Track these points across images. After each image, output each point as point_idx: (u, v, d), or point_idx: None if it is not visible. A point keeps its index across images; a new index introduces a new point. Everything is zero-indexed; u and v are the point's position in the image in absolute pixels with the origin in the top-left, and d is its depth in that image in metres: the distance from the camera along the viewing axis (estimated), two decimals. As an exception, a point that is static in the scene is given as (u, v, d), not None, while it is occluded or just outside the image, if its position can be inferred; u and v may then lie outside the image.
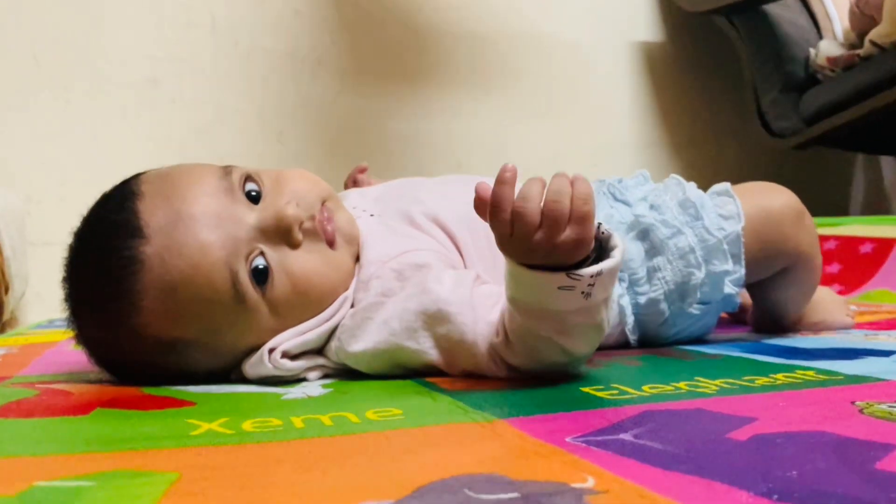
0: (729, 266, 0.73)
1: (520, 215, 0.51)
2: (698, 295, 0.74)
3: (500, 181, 0.52)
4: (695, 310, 0.74)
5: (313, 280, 0.61)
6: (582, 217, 0.50)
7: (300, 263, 0.61)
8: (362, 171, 0.88)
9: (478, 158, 1.91)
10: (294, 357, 0.62)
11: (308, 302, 0.62)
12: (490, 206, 0.52)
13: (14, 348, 0.91)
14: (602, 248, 0.54)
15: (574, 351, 0.57)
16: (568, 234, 0.50)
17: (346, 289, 0.64)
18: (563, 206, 0.50)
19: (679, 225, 0.74)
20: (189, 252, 0.57)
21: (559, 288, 0.52)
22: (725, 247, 0.73)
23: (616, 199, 0.81)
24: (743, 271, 0.74)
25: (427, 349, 0.60)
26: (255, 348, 0.61)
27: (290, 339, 0.61)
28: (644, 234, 0.75)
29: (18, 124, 1.62)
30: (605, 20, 2.13)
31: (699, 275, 0.73)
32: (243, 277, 0.58)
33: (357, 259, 0.66)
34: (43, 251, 1.50)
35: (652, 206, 0.77)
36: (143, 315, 0.58)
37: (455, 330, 0.59)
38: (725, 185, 0.77)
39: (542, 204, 0.51)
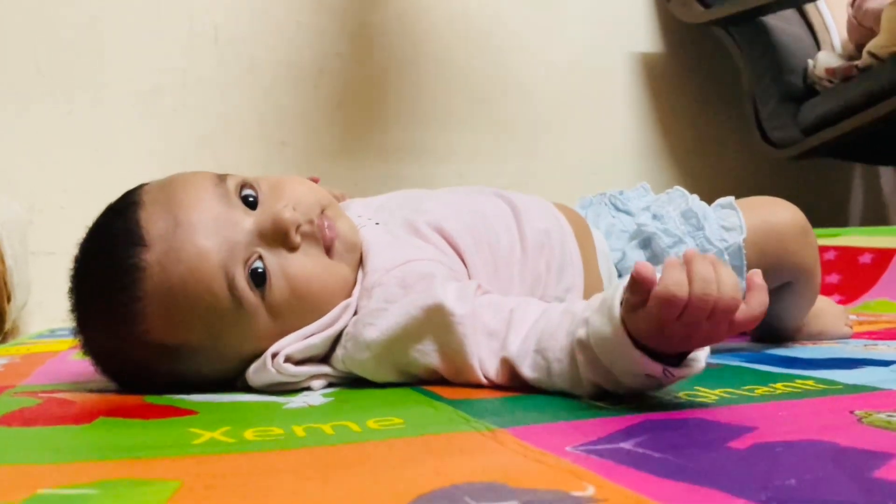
0: None
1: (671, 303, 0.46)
2: None
3: (670, 267, 0.48)
4: None
5: (312, 283, 0.61)
6: (727, 309, 0.46)
7: (298, 267, 0.61)
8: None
9: (478, 169, 1.91)
10: (298, 363, 0.62)
11: (307, 306, 0.61)
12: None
13: (16, 358, 0.92)
14: None
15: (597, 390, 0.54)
16: (706, 326, 0.47)
17: (349, 296, 0.64)
18: (712, 298, 0.46)
19: (681, 234, 0.74)
20: (187, 257, 0.58)
21: (647, 375, 0.50)
22: (727, 257, 0.73)
23: (618, 210, 0.81)
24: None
25: (429, 352, 0.61)
26: (259, 354, 0.61)
27: (292, 343, 0.61)
28: (646, 242, 0.75)
29: (21, 133, 1.63)
30: (605, 31, 2.14)
31: None
32: (240, 282, 0.59)
33: (360, 267, 0.66)
34: (45, 260, 1.51)
35: (654, 216, 0.77)
36: (146, 321, 0.58)
37: (455, 340, 0.59)
38: (729, 199, 0.77)
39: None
